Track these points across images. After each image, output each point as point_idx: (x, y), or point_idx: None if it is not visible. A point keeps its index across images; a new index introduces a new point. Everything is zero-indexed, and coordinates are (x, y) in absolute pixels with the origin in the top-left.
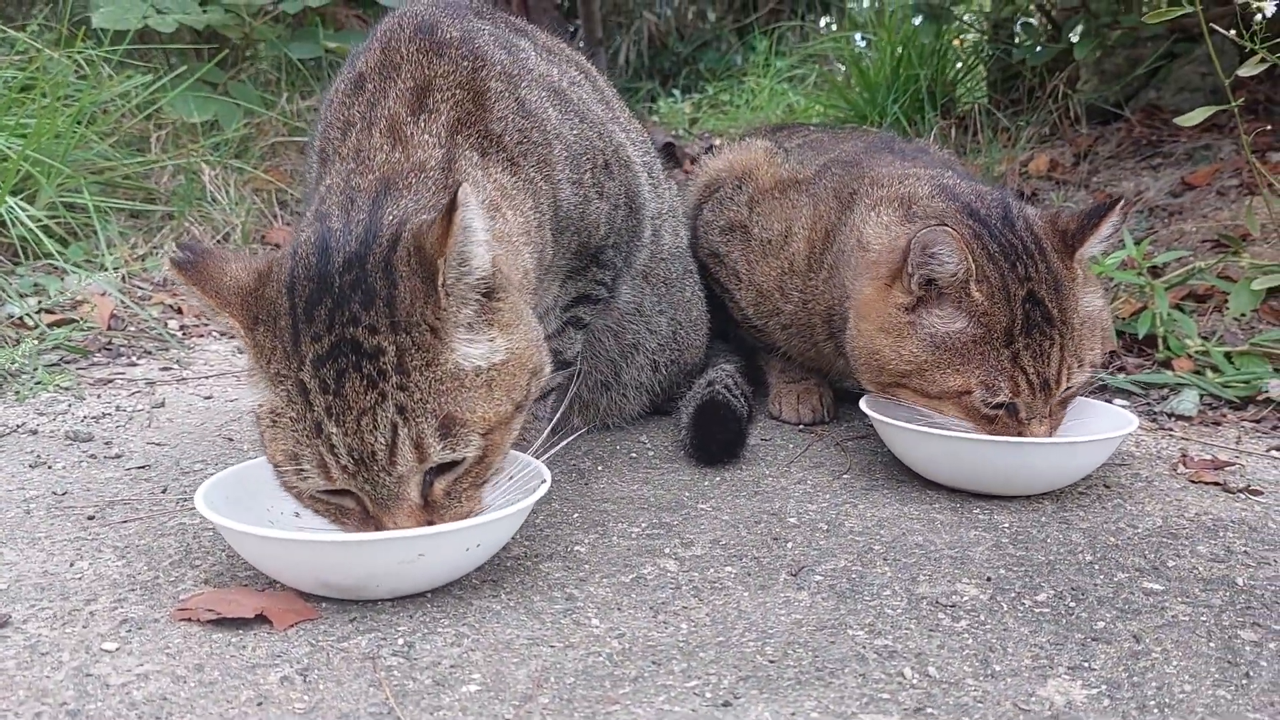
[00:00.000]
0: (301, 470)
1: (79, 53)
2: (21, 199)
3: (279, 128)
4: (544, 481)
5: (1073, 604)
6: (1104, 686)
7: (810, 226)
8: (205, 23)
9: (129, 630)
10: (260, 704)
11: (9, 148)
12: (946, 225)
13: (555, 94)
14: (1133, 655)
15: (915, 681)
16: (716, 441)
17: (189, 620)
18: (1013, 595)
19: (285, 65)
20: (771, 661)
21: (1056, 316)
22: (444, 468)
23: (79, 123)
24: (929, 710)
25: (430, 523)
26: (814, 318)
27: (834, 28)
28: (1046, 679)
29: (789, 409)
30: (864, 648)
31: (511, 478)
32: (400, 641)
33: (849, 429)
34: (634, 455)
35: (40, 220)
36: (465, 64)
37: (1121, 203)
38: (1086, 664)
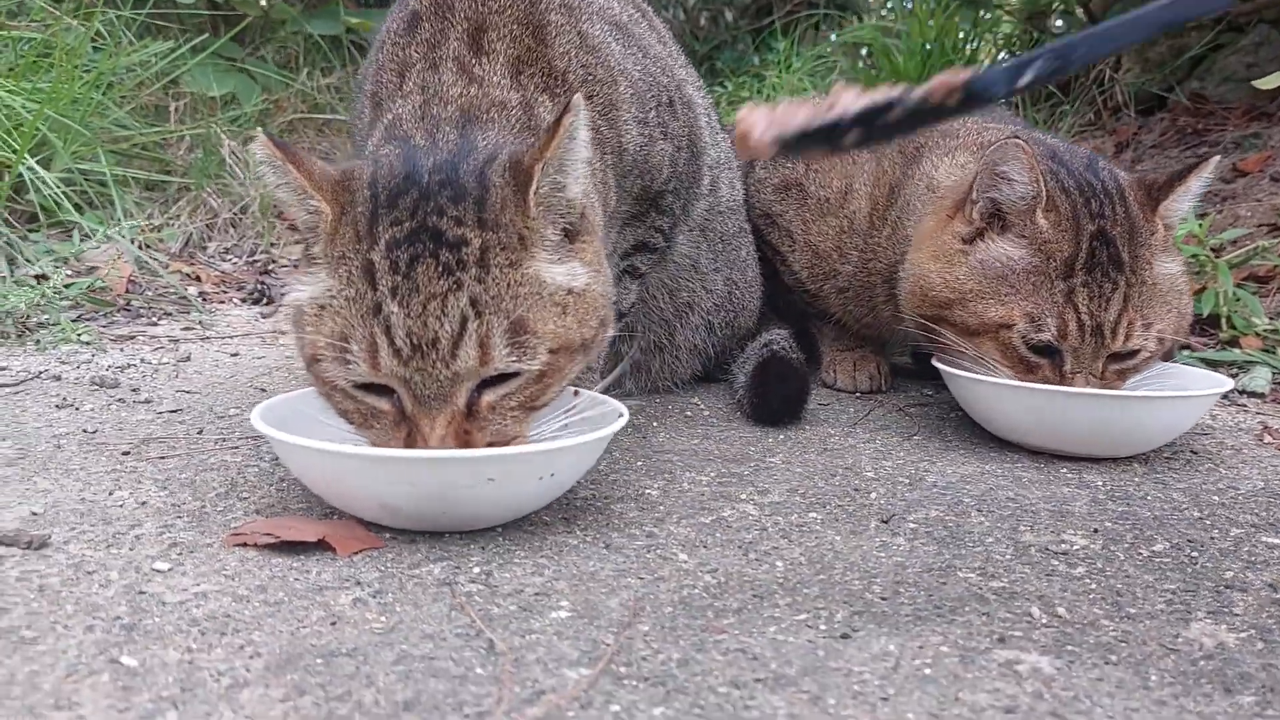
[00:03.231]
0: (346, 355)
1: (98, 18)
2: (37, 163)
3: (297, 104)
4: (621, 415)
5: (1194, 554)
6: (1252, 631)
7: (873, 183)
8: None
9: (180, 553)
10: (334, 624)
11: (26, 110)
12: (1020, 140)
13: (617, 27)
14: (1274, 603)
15: (1045, 621)
16: (778, 397)
17: (244, 545)
18: (1126, 545)
19: (305, 42)
20: (883, 599)
21: (1127, 262)
22: (496, 380)
23: (96, 89)
24: (1069, 648)
25: (468, 435)
26: (873, 278)
27: (847, 20)
28: (1188, 622)
29: (844, 376)
30: (980, 589)
31: (584, 416)
32: (476, 570)
33: (908, 398)
34: (689, 415)
35: (56, 187)
36: (521, 2)
37: (1216, 160)
38: (1226, 610)
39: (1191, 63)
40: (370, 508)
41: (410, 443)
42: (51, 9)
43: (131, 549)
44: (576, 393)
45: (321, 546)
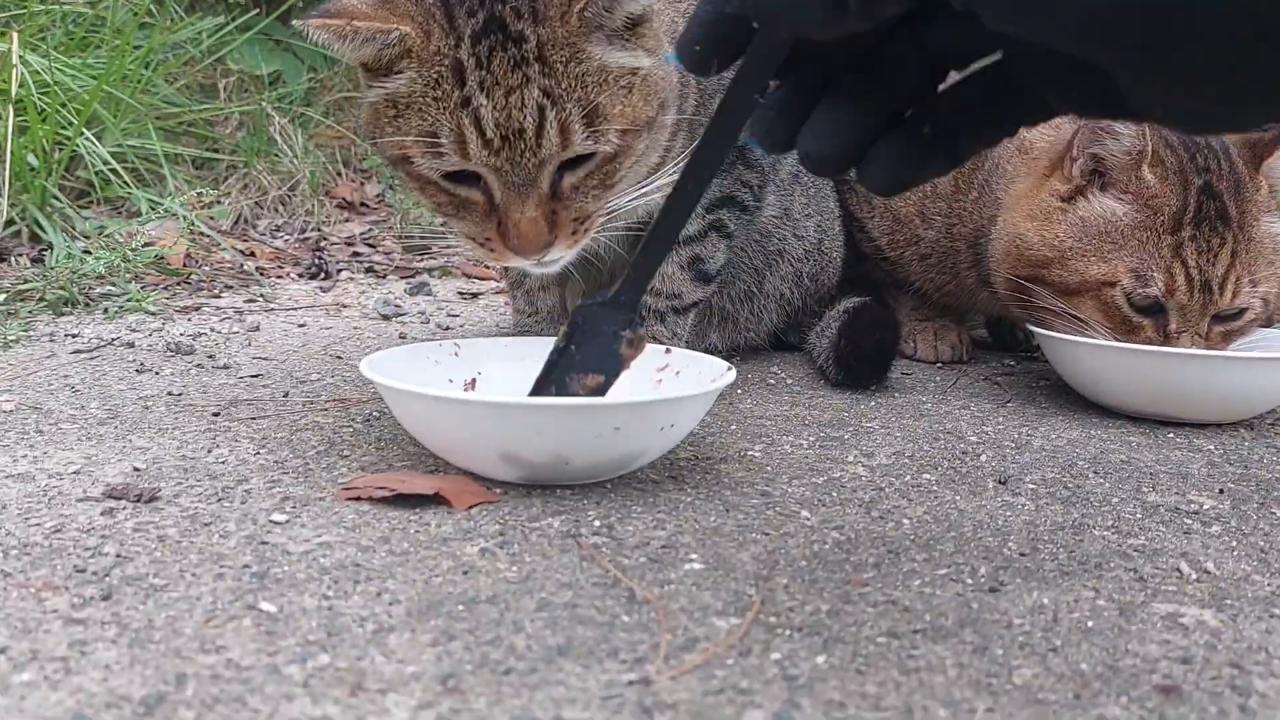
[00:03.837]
0: (438, 148)
1: None
2: (88, 137)
3: (343, 84)
4: (729, 369)
5: None
6: None
7: None
8: None
9: (294, 506)
10: (466, 573)
11: (78, 84)
12: None
13: None
14: None
15: (1195, 577)
16: (873, 344)
17: (358, 499)
18: (1256, 505)
19: None
20: (1022, 555)
21: (1234, 217)
22: (574, 162)
23: (145, 66)
24: (1228, 602)
25: (555, 214)
26: (958, 243)
27: None
28: None
29: (925, 346)
30: (1120, 546)
31: (678, 373)
32: (597, 524)
33: (991, 368)
34: (770, 383)
35: (108, 163)
36: None
37: None
38: None
39: None
40: (489, 459)
41: (502, 231)
42: None
43: (243, 503)
44: (669, 350)
45: (436, 500)
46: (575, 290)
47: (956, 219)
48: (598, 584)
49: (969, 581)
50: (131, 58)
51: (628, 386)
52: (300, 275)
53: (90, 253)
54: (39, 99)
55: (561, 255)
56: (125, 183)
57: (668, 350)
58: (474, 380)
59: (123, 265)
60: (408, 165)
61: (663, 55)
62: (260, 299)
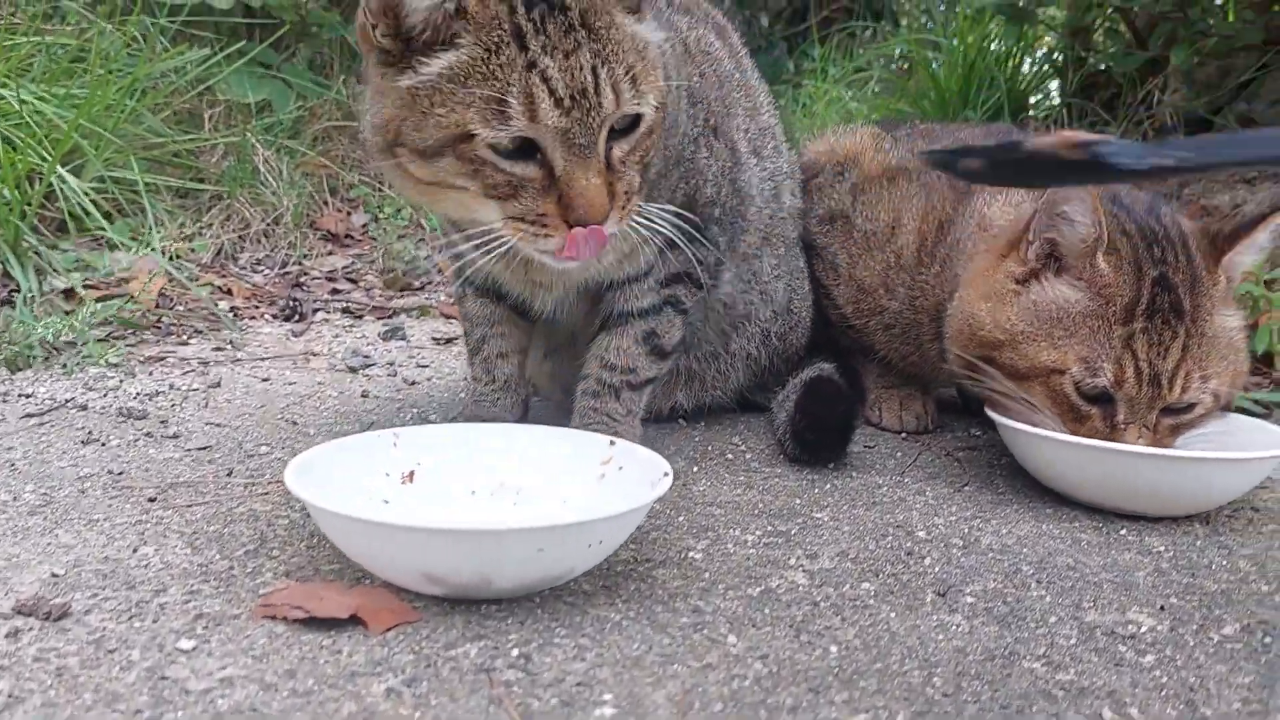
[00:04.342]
0: (505, 113)
1: (133, 24)
2: (68, 170)
3: (332, 112)
4: (665, 474)
5: (1268, 640)
6: None
7: (922, 217)
8: (262, 1)
9: (206, 627)
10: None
11: (59, 117)
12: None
13: (684, 43)
14: None
15: None
16: (826, 422)
17: (273, 619)
18: (1195, 628)
19: (341, 49)
20: (946, 696)
21: (1188, 310)
22: (619, 134)
23: (130, 96)
24: None
25: (611, 185)
26: (920, 315)
27: (888, 32)
28: None
29: (890, 415)
30: (1047, 682)
31: (621, 468)
32: (515, 653)
33: (955, 439)
34: (729, 457)
35: (87, 194)
36: None
37: None
38: None
39: (1240, 84)
40: (411, 577)
41: (564, 203)
42: (87, 13)
43: (155, 621)
44: (613, 442)
45: (354, 621)
46: (536, 358)
47: (919, 291)
48: None
49: None
50: (116, 88)
51: (570, 480)
52: (275, 317)
53: (47, 304)
54: (11, 131)
55: (614, 228)
56: (105, 214)
57: (612, 442)
58: (412, 473)
59: (84, 326)
60: (461, 145)
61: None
62: (229, 346)
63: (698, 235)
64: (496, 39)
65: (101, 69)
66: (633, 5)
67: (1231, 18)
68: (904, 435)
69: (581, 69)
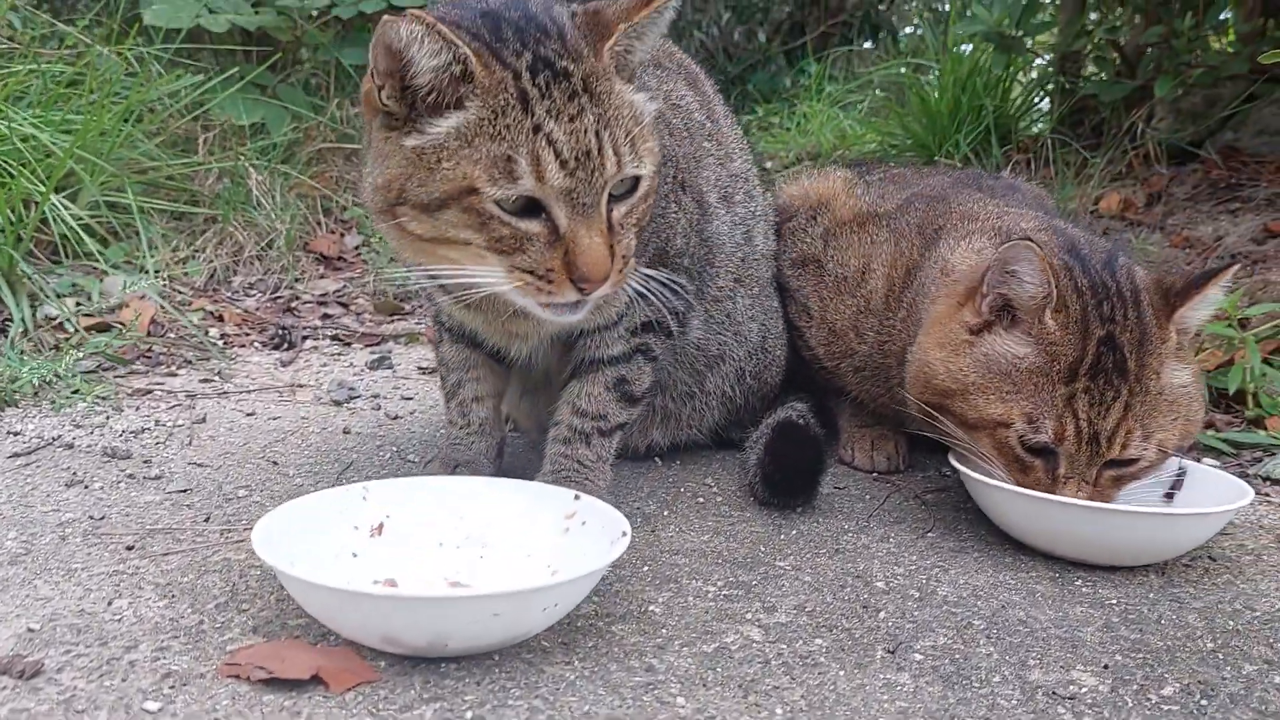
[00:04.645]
0: (513, 173)
1: (129, 50)
2: (64, 196)
3: (326, 133)
4: (624, 534)
5: (1204, 702)
6: None
7: (890, 263)
8: (257, 24)
9: (173, 687)
10: None
11: (55, 143)
12: (1031, 240)
13: (671, 105)
14: None
15: None
16: (789, 468)
17: (238, 678)
18: (1135, 688)
19: (335, 70)
20: None
21: (1132, 370)
22: (618, 198)
23: (126, 120)
24: None
25: (612, 247)
26: (889, 359)
27: (882, 51)
28: None
29: (862, 455)
30: None
31: (584, 523)
32: (469, 715)
33: (926, 479)
34: (700, 500)
35: (81, 219)
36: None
37: (1236, 267)
38: None
39: (1226, 115)
40: (371, 639)
41: (568, 260)
42: (84, 38)
43: (124, 680)
44: (578, 497)
45: (315, 681)
46: (513, 397)
47: (887, 335)
48: None
49: None
50: (111, 113)
51: (536, 533)
52: (264, 345)
53: (34, 341)
54: (5, 159)
55: (608, 290)
56: (101, 239)
57: (577, 497)
58: (381, 525)
59: (69, 369)
60: (467, 198)
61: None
62: (216, 378)
63: (671, 283)
64: (503, 102)
65: (97, 94)
66: (629, 73)
67: (1231, 36)
68: (875, 475)
69: (585, 132)
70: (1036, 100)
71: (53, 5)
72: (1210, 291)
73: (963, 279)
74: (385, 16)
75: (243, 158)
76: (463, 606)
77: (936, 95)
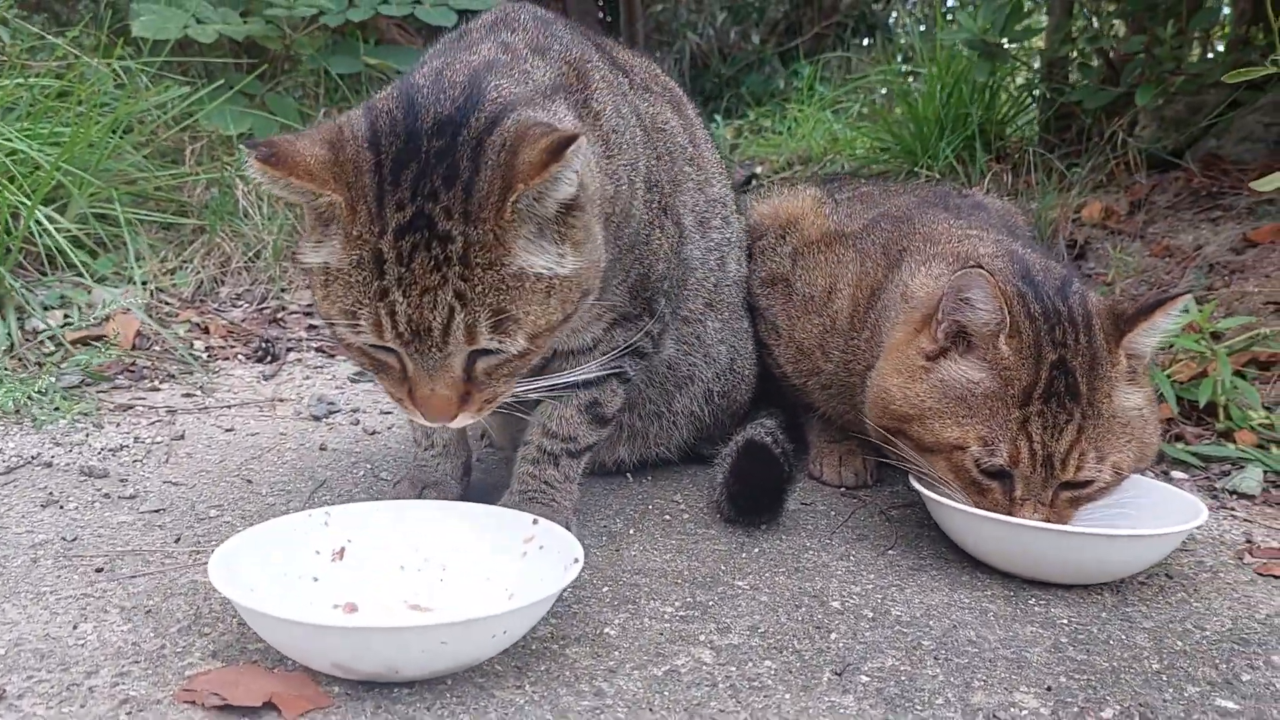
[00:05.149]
0: (356, 326)
1: (118, 61)
2: (53, 208)
3: None
4: (576, 561)
5: None
6: None
7: (855, 284)
8: (245, 33)
9: (129, 714)
10: None
11: (42, 156)
12: (983, 269)
13: (642, 123)
14: None
15: None
16: (753, 486)
17: (193, 704)
18: (1075, 710)
19: (324, 79)
20: None
21: (1084, 394)
22: (486, 353)
23: (114, 132)
24: None
25: (467, 394)
26: (854, 378)
27: (875, 52)
28: None
29: (830, 471)
30: None
31: (542, 547)
32: None
33: (893, 495)
34: (667, 517)
35: (69, 231)
36: (575, 49)
37: (1186, 297)
38: None
39: (1209, 122)
40: (324, 666)
41: (414, 399)
42: (72, 49)
43: (83, 705)
44: (536, 521)
45: (268, 708)
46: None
47: (852, 355)
48: None
49: None
50: (99, 125)
51: (495, 556)
52: (248, 358)
53: (18, 357)
54: None
55: (468, 421)
56: (89, 251)
57: (535, 521)
58: (342, 550)
59: (50, 386)
60: (331, 327)
61: (590, 246)
62: (199, 392)
63: (648, 307)
64: (358, 258)
65: (85, 106)
66: (548, 218)
67: (1225, 32)
68: (844, 490)
69: (435, 308)
70: (1023, 107)
71: (42, 17)
72: (1157, 319)
73: (920, 305)
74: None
75: (230, 168)
76: (410, 636)
77: (923, 102)
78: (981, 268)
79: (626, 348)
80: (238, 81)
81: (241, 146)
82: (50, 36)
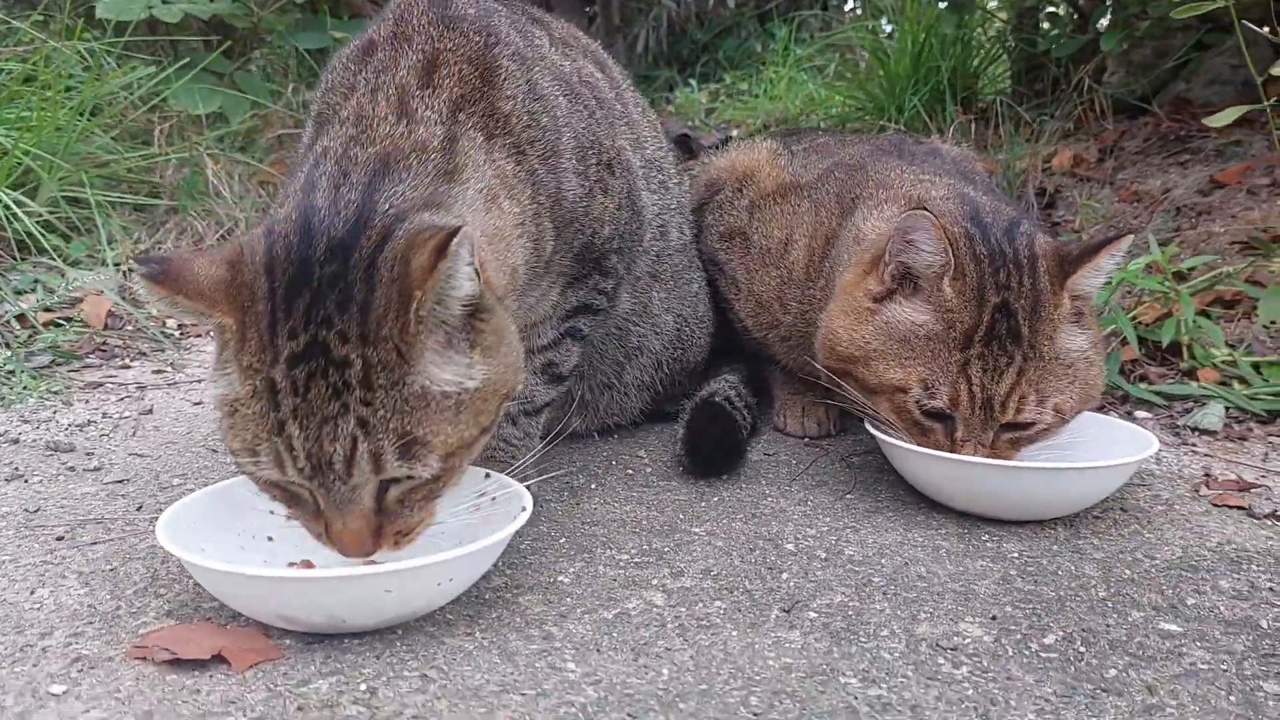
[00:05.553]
0: (259, 462)
1: (83, 43)
2: (22, 193)
3: (285, 120)
4: (524, 509)
5: (1083, 649)
6: None
7: (811, 234)
8: (212, 11)
9: (80, 670)
10: None
11: (9, 141)
12: (928, 211)
13: (566, 85)
14: (1145, 710)
15: None
16: (710, 443)
17: (144, 660)
18: (1018, 638)
19: (293, 56)
20: (755, 715)
21: (1025, 336)
22: (398, 481)
23: (81, 115)
24: None
25: (380, 528)
26: (812, 329)
27: (858, 11)
28: None
29: (794, 422)
30: (856, 698)
31: (494, 500)
32: (363, 687)
33: (856, 443)
34: (630, 471)
35: (41, 216)
36: (477, 40)
37: (1130, 237)
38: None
39: (1177, 65)
40: (269, 618)
41: (330, 533)
42: (37, 33)
43: (35, 665)
44: (488, 475)
45: (219, 660)
46: None
47: (809, 305)
48: None
49: None
50: (66, 108)
51: (448, 510)
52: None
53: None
54: None
55: (390, 554)
56: (62, 235)
57: (487, 475)
58: None
59: (19, 361)
60: (240, 464)
61: (504, 348)
62: (169, 369)
63: (598, 265)
64: (251, 388)
65: (52, 89)
66: (455, 324)
67: None
68: (807, 440)
69: (336, 439)
70: (995, 58)
71: (6, 1)
72: (1101, 260)
73: (870, 248)
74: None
75: (199, 147)
76: (352, 585)
77: (895, 58)
78: (927, 209)
79: (579, 306)
80: (205, 60)
81: (138, 269)
82: (14, 21)
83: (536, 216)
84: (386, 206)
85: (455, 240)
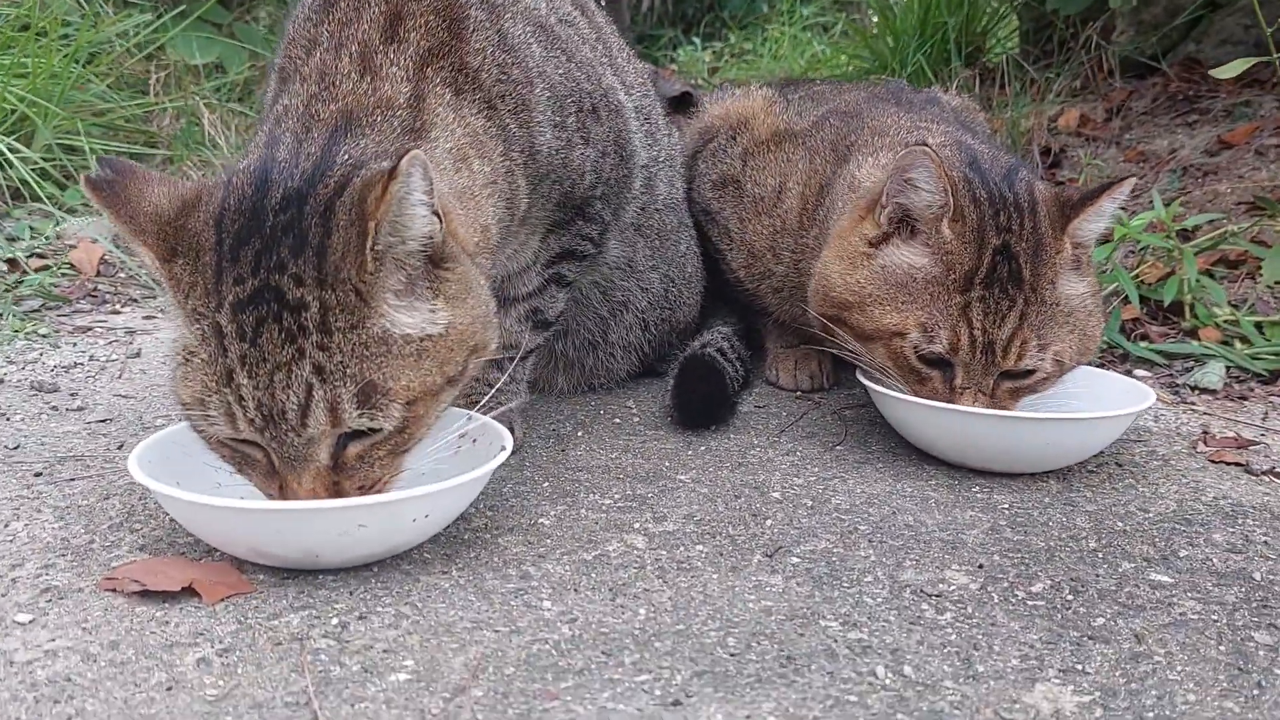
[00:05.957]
0: (209, 416)
1: None
2: (17, 139)
3: None
4: (503, 449)
5: (1070, 597)
6: (1097, 694)
7: (804, 182)
8: None
9: (49, 601)
10: (170, 689)
11: (4, 87)
12: (929, 147)
13: (541, 29)
14: (1132, 658)
15: (888, 682)
16: (698, 396)
17: (114, 591)
18: (1005, 585)
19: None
20: (733, 655)
21: (1027, 279)
22: (361, 433)
23: (77, 62)
24: (899, 716)
25: (338, 486)
26: (805, 279)
27: None
28: (1034, 683)
29: (786, 375)
30: (835, 641)
31: (474, 441)
32: (334, 621)
33: (849, 397)
34: (618, 421)
35: (36, 164)
36: None
37: (1131, 181)
38: (1080, 666)
39: (1188, 24)
40: (244, 552)
41: (283, 493)
42: None
43: (3, 595)
44: (470, 418)
45: (189, 593)
46: None
47: (802, 254)
48: (290, 704)
49: (658, 693)
50: (62, 55)
51: (430, 451)
52: None
53: None
54: None
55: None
56: (57, 183)
57: (469, 418)
58: None
59: (7, 299)
60: (190, 419)
61: (471, 300)
62: (160, 314)
63: (581, 211)
64: (199, 333)
65: (47, 36)
66: (416, 269)
67: None
68: (799, 394)
69: (290, 386)
70: (1003, 16)
71: None
72: (1103, 203)
73: (866, 193)
74: None
75: (196, 96)
76: (325, 518)
77: (901, 15)
78: (927, 146)
79: (564, 252)
80: (200, 8)
81: (88, 172)
82: None
83: (509, 174)
84: (346, 158)
85: (405, 160)
